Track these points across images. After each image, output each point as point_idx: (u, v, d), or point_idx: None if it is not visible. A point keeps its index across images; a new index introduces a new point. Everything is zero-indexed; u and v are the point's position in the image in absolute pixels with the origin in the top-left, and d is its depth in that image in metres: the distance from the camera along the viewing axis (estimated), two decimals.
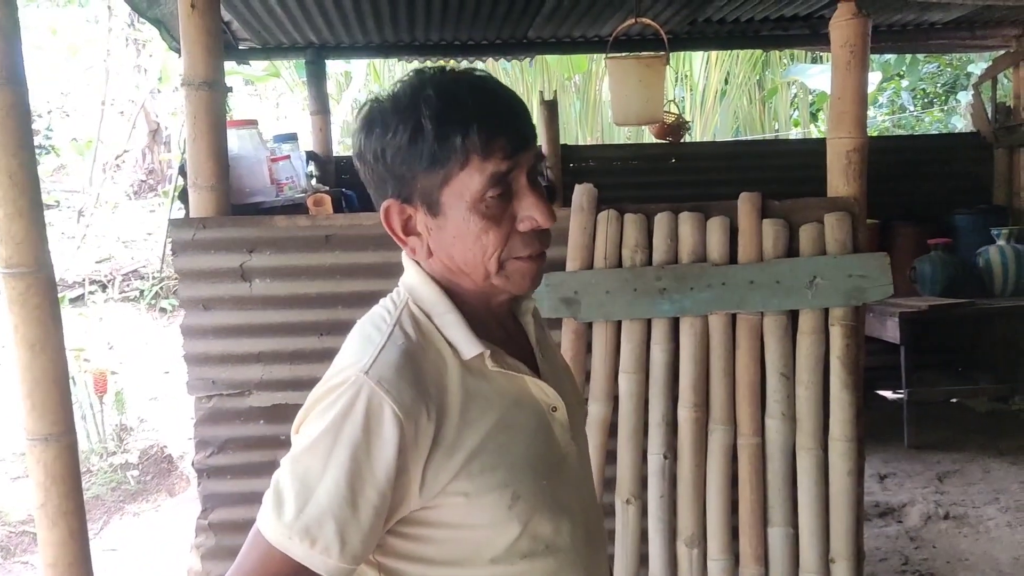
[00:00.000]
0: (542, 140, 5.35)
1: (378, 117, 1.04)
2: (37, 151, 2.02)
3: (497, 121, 1.02)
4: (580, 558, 1.13)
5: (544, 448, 1.11)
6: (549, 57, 7.98)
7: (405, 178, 1.04)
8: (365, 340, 1.06)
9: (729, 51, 8.59)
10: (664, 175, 5.64)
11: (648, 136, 6.08)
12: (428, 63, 5.49)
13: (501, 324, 1.16)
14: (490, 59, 5.85)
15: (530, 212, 1.05)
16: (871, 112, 10.20)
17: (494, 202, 1.03)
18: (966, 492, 4.16)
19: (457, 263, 1.07)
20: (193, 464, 2.62)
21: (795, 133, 9.96)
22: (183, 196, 2.73)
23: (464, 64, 5.75)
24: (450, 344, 1.07)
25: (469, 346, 1.07)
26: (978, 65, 8.74)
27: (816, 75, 8.30)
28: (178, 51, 3.05)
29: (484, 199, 1.02)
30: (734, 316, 2.50)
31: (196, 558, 2.60)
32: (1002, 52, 5.56)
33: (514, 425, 1.08)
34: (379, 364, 1.01)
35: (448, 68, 1.06)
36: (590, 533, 1.17)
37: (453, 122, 1.00)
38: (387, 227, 1.09)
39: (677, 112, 5.60)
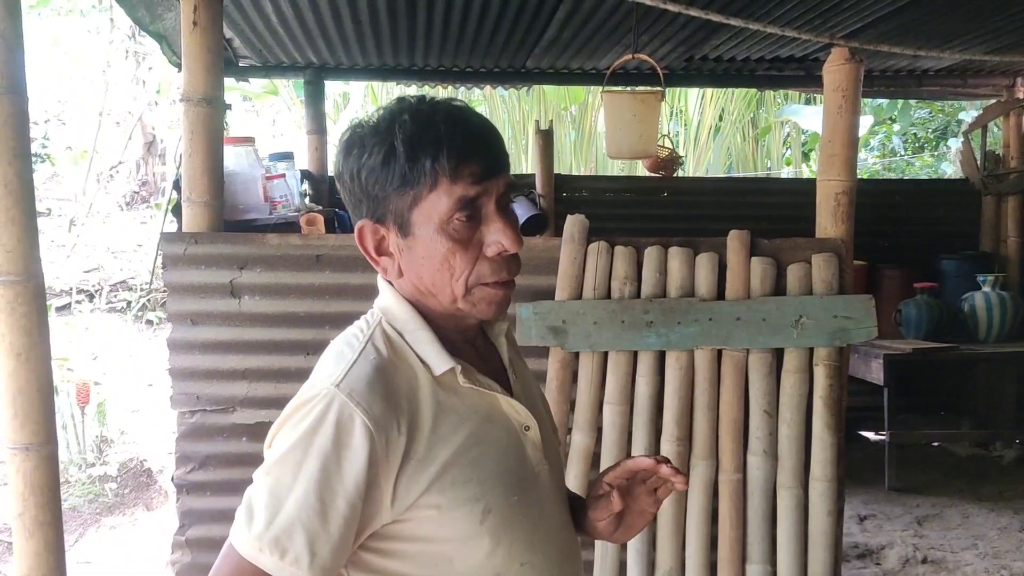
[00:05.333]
0: (537, 169, 5.39)
1: (357, 140, 1.09)
2: (32, 159, 2.03)
3: (468, 147, 1.05)
4: None
5: (516, 464, 1.13)
6: (546, 87, 8.05)
7: (378, 198, 1.08)
8: (338, 356, 1.09)
9: (724, 88, 8.68)
10: (656, 208, 5.68)
11: (642, 169, 6.13)
12: (418, 90, 5.54)
13: (472, 343, 1.19)
14: (488, 87, 5.90)
15: (497, 237, 1.08)
16: (862, 155, 10.30)
17: (462, 225, 1.06)
18: (945, 537, 4.17)
19: (426, 284, 1.10)
20: (173, 479, 2.60)
21: (787, 172, 10.04)
22: (176, 210, 2.74)
23: (462, 91, 5.81)
24: (422, 360, 1.10)
25: (440, 362, 1.09)
26: (969, 112, 8.86)
27: (809, 116, 8.40)
28: (178, 65, 3.07)
29: (452, 221, 1.06)
30: (720, 352, 2.52)
31: (171, 574, 2.58)
32: (993, 101, 5.64)
33: (485, 440, 1.10)
34: (350, 378, 1.04)
35: (427, 97, 1.10)
36: (565, 552, 1.19)
37: (424, 145, 1.04)
38: (360, 246, 1.12)
39: (671, 147, 5.64)
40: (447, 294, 1.09)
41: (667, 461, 1.17)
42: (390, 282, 1.15)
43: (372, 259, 1.13)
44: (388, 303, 1.14)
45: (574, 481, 2.47)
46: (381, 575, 1.08)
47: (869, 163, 10.62)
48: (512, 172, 1.13)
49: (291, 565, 0.99)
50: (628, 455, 2.50)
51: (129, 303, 7.88)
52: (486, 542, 1.07)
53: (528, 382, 1.28)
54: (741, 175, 9.52)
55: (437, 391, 1.08)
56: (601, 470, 1.26)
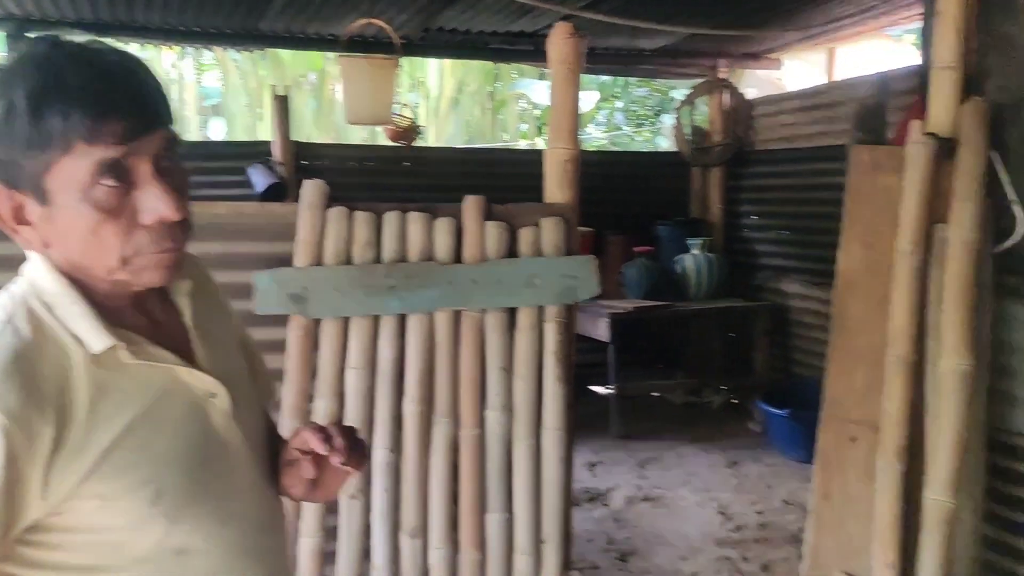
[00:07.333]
0: (274, 136, 5.24)
1: None
2: None
3: (107, 101, 0.91)
4: (250, 547, 1.10)
5: (198, 439, 1.05)
6: (283, 52, 7.80)
7: (5, 162, 0.93)
8: None
9: (463, 61, 8.85)
10: (398, 177, 5.73)
11: (383, 138, 6.14)
12: (140, 50, 5.16)
13: (145, 310, 1.07)
14: (219, 48, 5.63)
15: (154, 204, 0.95)
16: (590, 129, 10.95)
17: (109, 192, 0.93)
18: (664, 476, 4.61)
19: (76, 258, 0.98)
20: None
21: (523, 144, 10.44)
22: None
23: (190, 52, 5.49)
24: (76, 338, 0.98)
25: (97, 340, 0.98)
26: (680, 91, 9.67)
27: (542, 90, 8.82)
28: None
29: (95, 188, 0.93)
30: (459, 313, 2.61)
31: None
32: (700, 80, 6.21)
33: (158, 418, 1.01)
34: None
35: (65, 41, 0.94)
36: (264, 521, 1.14)
37: (52, 101, 0.90)
38: None
39: (411, 117, 5.70)
40: (101, 268, 0.98)
41: (331, 443, 1.08)
42: None
43: (11, 229, 0.98)
44: (36, 273, 1.01)
45: None
46: (40, 568, 0.98)
47: (597, 137, 11.30)
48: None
49: None
50: (371, 418, 2.54)
51: None
52: (159, 525, 1.00)
53: (222, 344, 1.17)
54: (478, 146, 9.78)
55: (95, 371, 0.97)
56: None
